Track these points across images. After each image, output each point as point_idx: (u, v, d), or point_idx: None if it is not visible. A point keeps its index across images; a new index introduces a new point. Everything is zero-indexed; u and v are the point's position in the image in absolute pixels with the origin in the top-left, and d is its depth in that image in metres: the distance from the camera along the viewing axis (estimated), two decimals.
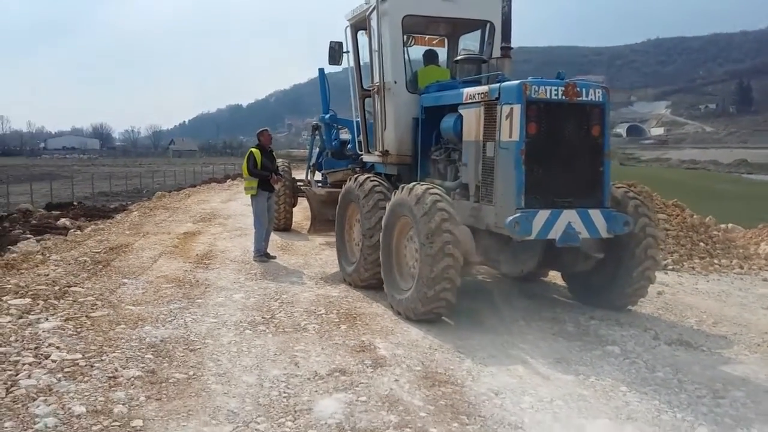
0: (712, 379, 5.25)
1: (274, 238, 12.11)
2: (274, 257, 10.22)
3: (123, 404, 4.44)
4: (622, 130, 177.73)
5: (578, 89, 6.47)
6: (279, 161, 13.30)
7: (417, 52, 9.64)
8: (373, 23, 8.58)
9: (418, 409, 4.51)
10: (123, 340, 5.81)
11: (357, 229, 8.41)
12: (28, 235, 12.60)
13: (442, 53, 9.97)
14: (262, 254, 10.07)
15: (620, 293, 7.19)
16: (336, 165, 11.40)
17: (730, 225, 13.77)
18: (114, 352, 5.47)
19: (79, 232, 13.13)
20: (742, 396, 4.90)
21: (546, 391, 4.91)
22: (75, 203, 21.75)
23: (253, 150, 10.08)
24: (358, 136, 9.85)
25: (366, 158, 9.57)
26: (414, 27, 9.33)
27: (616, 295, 7.24)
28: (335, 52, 9.82)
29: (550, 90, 6.38)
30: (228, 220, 15.60)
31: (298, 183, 13.24)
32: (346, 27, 9.67)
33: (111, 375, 4.97)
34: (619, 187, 7.36)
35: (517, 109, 6.31)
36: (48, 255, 9.86)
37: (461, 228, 6.50)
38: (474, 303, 7.46)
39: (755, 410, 4.65)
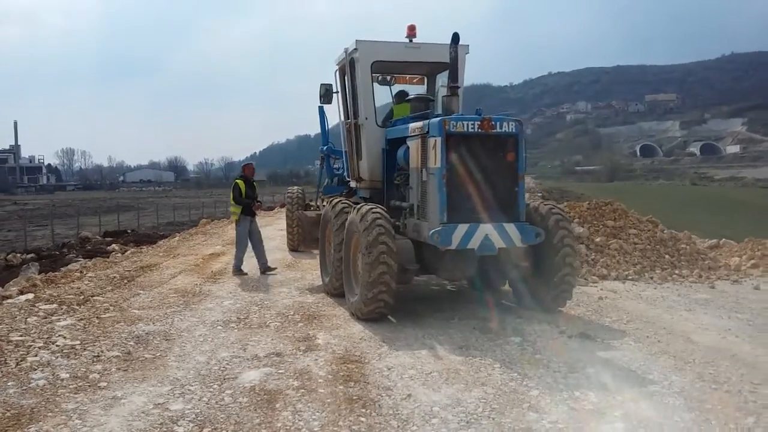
0: (580, 360, 6.28)
1: (285, 256, 13.66)
2: (274, 268, 11.75)
3: (98, 373, 5.91)
4: (695, 149, 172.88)
5: (493, 122, 7.66)
6: (294, 188, 15.00)
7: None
8: (348, 68, 9.99)
9: (318, 378, 5.79)
10: (117, 333, 7.32)
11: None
12: (79, 258, 14.54)
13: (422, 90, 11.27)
14: (239, 269, 11.62)
15: (547, 297, 8.26)
16: (335, 190, 12.80)
17: (722, 240, 14.41)
18: (105, 341, 6.98)
19: (120, 254, 14.99)
20: (593, 372, 5.93)
21: (430, 366, 6.09)
22: (128, 231, 24.00)
23: (238, 181, 11.75)
24: (346, 164, 11.23)
25: (352, 184, 10.94)
26: (391, 69, 10.71)
27: (544, 298, 8.31)
28: (326, 92, 11.22)
29: (467, 124, 7.60)
30: None
31: (310, 207, 14.69)
32: (335, 71, 11.10)
33: (96, 355, 6.46)
34: (545, 204, 8.45)
35: (439, 140, 7.55)
36: (85, 273, 11.62)
37: (399, 241, 7.80)
38: (422, 306, 8.67)
39: (594, 381, 5.68)
